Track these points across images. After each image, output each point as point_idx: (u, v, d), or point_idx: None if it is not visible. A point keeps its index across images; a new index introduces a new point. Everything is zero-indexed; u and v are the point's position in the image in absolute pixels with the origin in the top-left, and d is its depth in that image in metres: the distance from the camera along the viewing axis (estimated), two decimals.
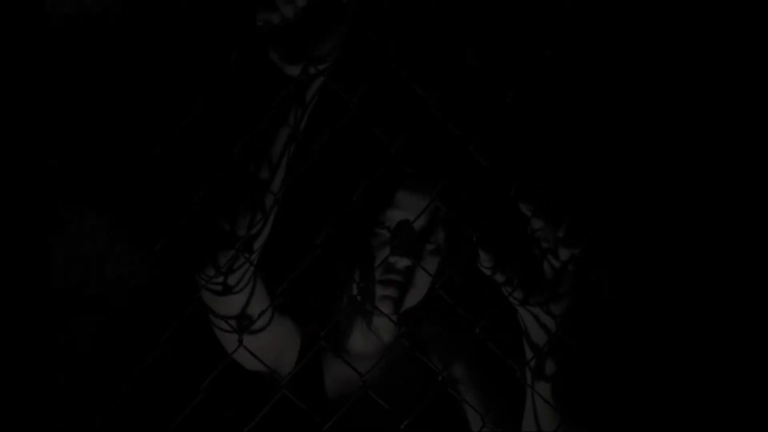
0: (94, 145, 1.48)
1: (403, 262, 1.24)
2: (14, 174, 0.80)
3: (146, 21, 1.64)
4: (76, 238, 1.35)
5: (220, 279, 1.09)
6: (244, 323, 1.17)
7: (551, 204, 1.04)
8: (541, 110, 1.75)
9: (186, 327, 1.04)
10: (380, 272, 1.24)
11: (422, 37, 1.02)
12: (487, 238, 1.03)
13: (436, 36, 1.86)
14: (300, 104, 1.04)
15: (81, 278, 1.40)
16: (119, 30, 1.70)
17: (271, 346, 1.26)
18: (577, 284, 1.08)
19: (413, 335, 1.38)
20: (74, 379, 1.27)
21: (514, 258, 1.07)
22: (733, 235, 1.65)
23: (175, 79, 1.51)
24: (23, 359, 0.79)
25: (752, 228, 1.65)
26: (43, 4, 0.78)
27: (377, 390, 1.13)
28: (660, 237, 1.60)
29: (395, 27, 1.42)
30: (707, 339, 1.61)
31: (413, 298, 1.27)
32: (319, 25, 0.98)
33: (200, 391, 0.95)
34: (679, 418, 1.61)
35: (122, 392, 0.97)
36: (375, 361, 1.17)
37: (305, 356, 1.28)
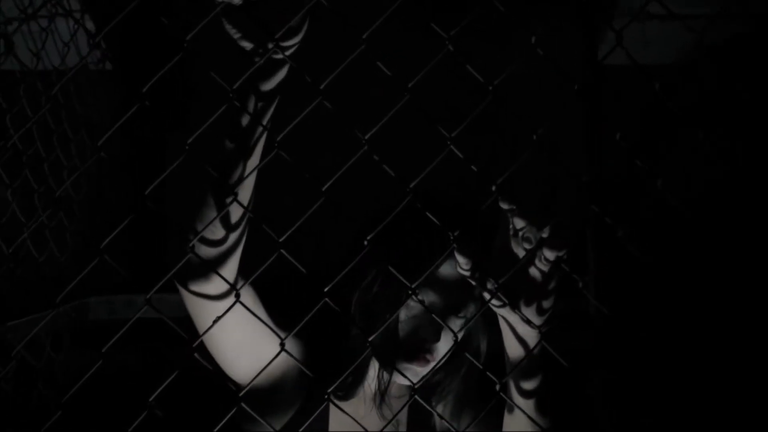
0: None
1: (433, 341, 1.19)
2: None
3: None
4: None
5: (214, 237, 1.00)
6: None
7: (533, 202, 0.97)
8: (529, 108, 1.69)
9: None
10: (408, 345, 1.19)
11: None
12: (465, 241, 0.97)
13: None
14: (264, 87, 0.96)
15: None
16: None
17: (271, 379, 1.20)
18: (561, 289, 1.02)
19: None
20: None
21: (494, 260, 1.01)
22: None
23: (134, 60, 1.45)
24: None
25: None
26: None
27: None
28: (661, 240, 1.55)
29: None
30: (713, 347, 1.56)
31: (433, 367, 1.22)
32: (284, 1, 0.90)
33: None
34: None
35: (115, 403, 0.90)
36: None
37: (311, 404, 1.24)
